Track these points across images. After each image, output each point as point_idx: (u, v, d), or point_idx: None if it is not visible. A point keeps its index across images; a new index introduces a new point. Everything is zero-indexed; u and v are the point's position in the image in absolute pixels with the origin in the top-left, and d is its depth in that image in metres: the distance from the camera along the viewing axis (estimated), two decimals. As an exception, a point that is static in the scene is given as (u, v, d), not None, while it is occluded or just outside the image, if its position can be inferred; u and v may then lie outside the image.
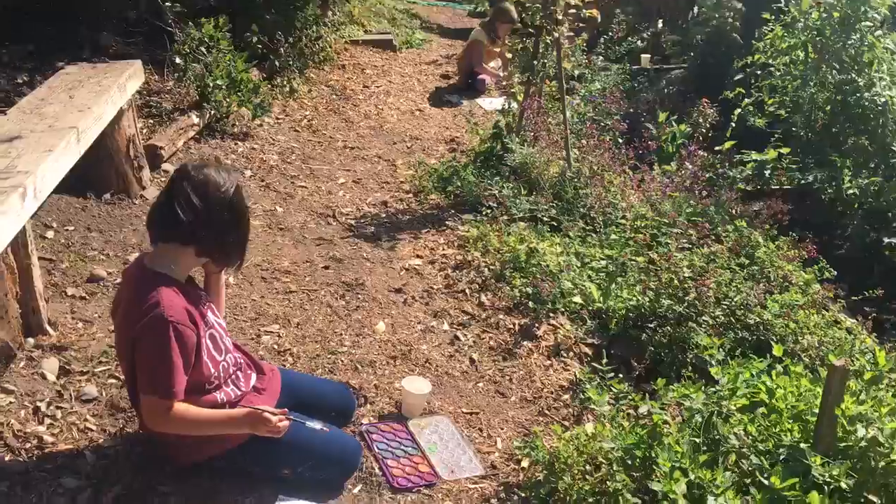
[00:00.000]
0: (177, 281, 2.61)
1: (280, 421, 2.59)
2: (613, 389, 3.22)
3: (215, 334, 2.72)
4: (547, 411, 3.53)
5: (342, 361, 3.63)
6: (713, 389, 2.93)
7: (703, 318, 3.90)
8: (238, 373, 2.85)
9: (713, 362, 3.02)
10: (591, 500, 2.73)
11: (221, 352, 2.74)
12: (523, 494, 2.91)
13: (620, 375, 3.76)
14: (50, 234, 4.29)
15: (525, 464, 3.10)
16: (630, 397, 3.02)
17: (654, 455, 2.73)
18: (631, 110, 7.71)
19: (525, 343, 3.97)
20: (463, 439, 3.24)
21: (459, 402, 3.51)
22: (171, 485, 2.79)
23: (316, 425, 2.67)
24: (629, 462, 2.69)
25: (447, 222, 5.16)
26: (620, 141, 6.26)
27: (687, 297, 3.98)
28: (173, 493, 2.77)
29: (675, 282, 4.04)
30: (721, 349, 3.09)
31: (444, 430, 3.28)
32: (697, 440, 2.68)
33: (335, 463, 2.87)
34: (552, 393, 3.65)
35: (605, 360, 3.57)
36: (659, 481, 2.47)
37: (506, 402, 3.57)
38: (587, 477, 2.88)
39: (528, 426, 3.40)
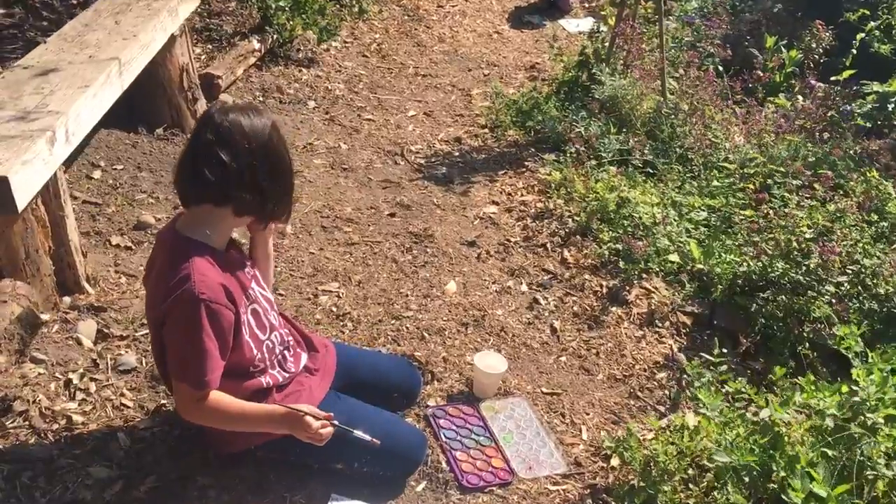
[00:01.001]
0: (213, 249, 2.21)
1: (322, 427, 2.20)
2: (714, 371, 2.72)
3: (258, 309, 2.33)
4: (639, 393, 3.07)
5: (407, 329, 3.22)
6: (849, 389, 2.41)
7: (826, 287, 3.34)
8: (286, 352, 2.47)
9: (851, 356, 2.50)
10: (694, 516, 2.29)
11: (266, 329, 2.36)
12: (613, 501, 2.49)
13: (724, 350, 3.27)
14: (97, 173, 3.97)
15: (615, 462, 2.67)
16: (742, 389, 2.53)
17: (775, 469, 2.27)
18: (731, 32, 6.92)
19: (614, 309, 3.49)
20: (542, 427, 2.82)
21: (539, 379, 3.08)
22: (212, 476, 2.47)
23: (366, 436, 2.28)
24: (744, 477, 2.23)
25: (526, 163, 4.65)
26: (721, 69, 5.56)
27: (807, 262, 3.42)
28: (213, 486, 2.44)
29: (794, 243, 3.47)
30: (860, 338, 2.55)
31: (522, 416, 2.86)
32: (833, 459, 2.19)
33: (396, 459, 2.49)
34: (645, 370, 3.19)
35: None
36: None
37: (591, 380, 3.12)
38: (690, 486, 2.43)
39: (618, 412, 2.96)
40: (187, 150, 2.18)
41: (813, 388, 2.49)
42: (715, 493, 2.37)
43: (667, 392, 3.10)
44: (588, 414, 2.94)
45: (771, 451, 2.30)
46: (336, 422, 2.23)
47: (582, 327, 3.39)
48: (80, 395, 2.67)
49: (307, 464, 2.47)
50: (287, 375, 2.44)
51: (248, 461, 2.49)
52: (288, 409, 2.20)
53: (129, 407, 2.68)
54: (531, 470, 2.64)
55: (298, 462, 2.47)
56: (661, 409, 3.01)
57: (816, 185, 3.77)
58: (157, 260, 2.29)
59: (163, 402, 2.69)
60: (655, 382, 3.13)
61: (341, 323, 3.23)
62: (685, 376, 3.13)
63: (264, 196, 2.24)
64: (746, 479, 2.22)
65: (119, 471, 2.43)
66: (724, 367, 2.67)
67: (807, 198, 3.76)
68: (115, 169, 4.06)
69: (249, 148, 2.15)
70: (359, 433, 2.25)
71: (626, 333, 3.38)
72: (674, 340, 3.38)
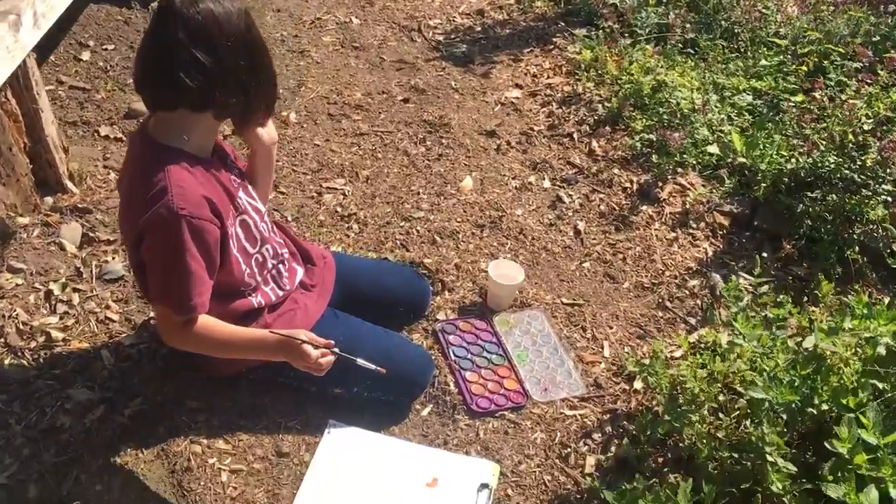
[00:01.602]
0: (192, 155, 1.94)
1: (322, 356, 1.99)
2: (754, 290, 2.45)
3: (248, 220, 2.09)
4: (668, 303, 2.82)
5: (417, 231, 2.97)
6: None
7: (884, 185, 3.00)
8: (280, 266, 2.24)
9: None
10: (725, 454, 2.07)
11: (256, 242, 2.12)
12: (634, 430, 2.28)
13: (765, 255, 2.99)
14: (85, 55, 3.67)
15: (638, 385, 2.45)
16: (785, 315, 2.26)
17: (816, 402, 2.03)
18: None
19: (644, 208, 3.19)
20: (561, 344, 2.60)
21: (559, 288, 2.83)
22: (202, 398, 2.30)
23: (369, 364, 2.06)
24: (782, 415, 2.00)
25: (555, 39, 4.24)
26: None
27: (863, 157, 3.06)
28: (203, 410, 2.28)
29: (850, 135, 3.11)
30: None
31: (539, 331, 2.64)
32: (885, 394, 1.94)
33: (399, 383, 2.29)
34: (675, 278, 2.92)
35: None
36: (834, 481, 1.78)
37: (617, 289, 2.87)
38: (720, 415, 2.21)
39: (644, 324, 2.72)
40: (150, 49, 1.86)
41: (864, 310, 2.21)
42: (747, 422, 2.15)
43: (699, 302, 2.84)
44: (611, 327, 2.70)
45: (813, 384, 2.05)
46: (337, 349, 2.02)
47: (608, 229, 3.11)
48: (61, 308, 2.48)
49: (303, 388, 2.28)
50: (281, 294, 2.22)
51: (242, 383, 2.32)
52: (283, 337, 1.98)
53: (114, 321, 2.49)
54: (546, 392, 2.43)
55: (294, 385, 2.28)
56: (692, 321, 2.77)
57: (879, 69, 3.35)
58: (129, 168, 2.03)
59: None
60: (686, 291, 2.87)
61: (346, 225, 2.98)
62: (721, 286, 2.87)
63: (249, 97, 1.95)
64: (784, 417, 1.98)
65: (101, 393, 2.26)
66: (766, 288, 2.39)
67: (867, 83, 3.34)
68: (106, 49, 3.74)
69: (230, 45, 1.84)
70: (362, 361, 2.04)
71: (656, 236, 3.10)
72: (709, 243, 3.09)
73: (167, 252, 1.89)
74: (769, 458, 1.95)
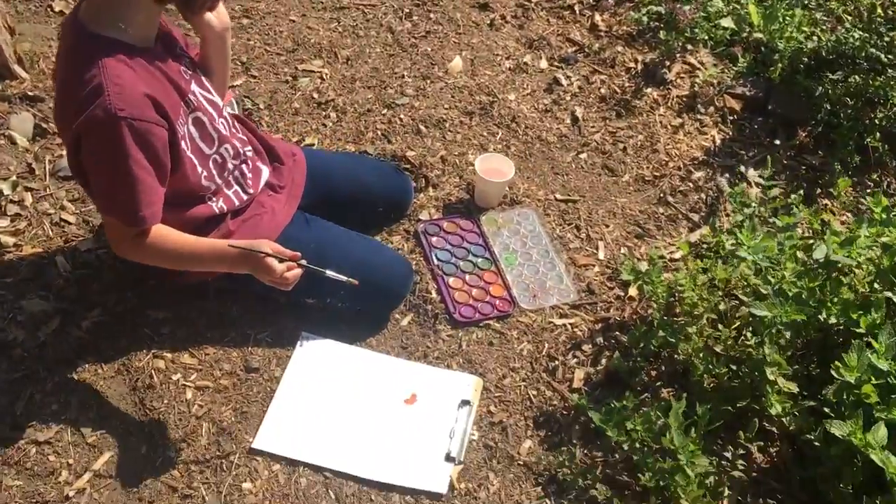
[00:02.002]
0: (131, 46, 1.70)
1: (288, 270, 1.81)
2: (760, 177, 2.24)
3: (202, 118, 1.87)
4: (670, 197, 2.62)
5: (401, 120, 2.74)
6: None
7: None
8: (243, 167, 2.04)
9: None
10: (722, 370, 1.93)
11: (213, 142, 1.92)
12: (627, 342, 2.14)
13: (777, 143, 2.77)
14: (36, -82, 3.28)
15: (633, 292, 2.28)
16: (795, 221, 2.06)
17: (824, 316, 1.87)
18: None
19: (649, 91, 2.94)
20: (552, 246, 2.42)
21: (553, 183, 2.63)
22: (166, 308, 2.15)
23: (341, 276, 1.88)
24: (785, 332, 1.84)
25: None
26: None
27: (892, 34, 2.78)
28: (168, 321, 2.14)
29: (878, 9, 2.81)
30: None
31: (529, 231, 2.46)
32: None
33: (376, 293, 2.13)
34: (679, 169, 2.71)
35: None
36: (837, 415, 1.63)
37: (615, 183, 2.66)
38: (720, 327, 2.06)
39: (643, 222, 2.53)
40: None
41: (882, 214, 2.02)
42: (748, 333, 2.00)
43: (703, 196, 2.64)
44: (608, 226, 2.51)
45: (822, 298, 1.88)
46: (304, 261, 1.84)
47: (609, 115, 2.87)
48: (12, 210, 2.30)
49: (274, 297, 2.13)
50: (245, 197, 2.03)
51: (209, 292, 2.16)
52: (244, 251, 1.80)
53: (70, 223, 2.32)
54: (535, 299, 2.27)
55: (264, 295, 2.12)
56: (695, 217, 2.57)
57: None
58: (59, 61, 1.80)
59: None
60: (690, 184, 2.67)
61: (323, 113, 2.74)
62: (726, 177, 2.66)
63: None
64: (788, 335, 1.83)
65: (57, 303, 2.11)
66: (776, 191, 2.18)
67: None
68: (59, -88, 3.37)
69: None
70: (332, 273, 1.87)
71: (660, 122, 2.86)
72: (717, 130, 2.86)
73: (108, 160, 1.69)
74: (769, 376, 1.81)
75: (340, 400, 2.01)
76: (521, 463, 1.93)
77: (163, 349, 2.07)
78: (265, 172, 2.12)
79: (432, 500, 1.85)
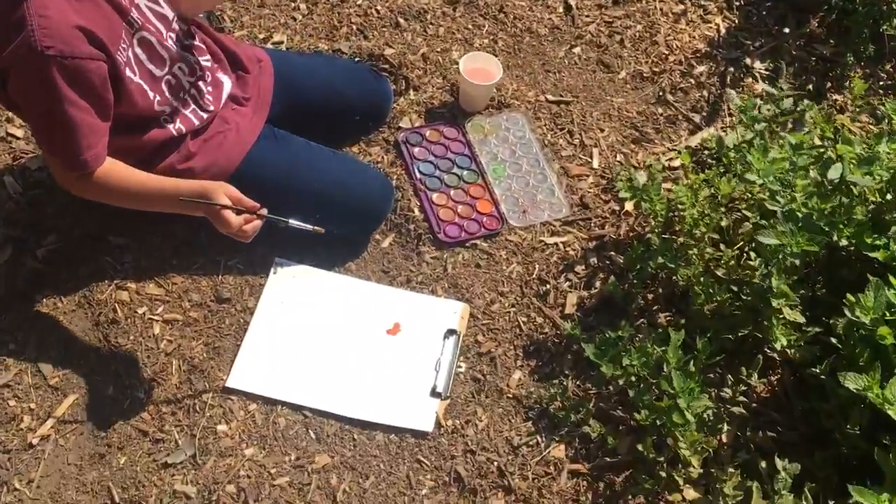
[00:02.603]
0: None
1: (247, 223, 1.64)
2: (775, 105, 2.06)
3: (149, 38, 1.66)
4: (670, 96, 2.44)
5: (377, 11, 2.49)
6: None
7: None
8: (201, 84, 1.83)
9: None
10: (724, 296, 1.82)
11: (164, 63, 1.71)
12: (623, 263, 2.01)
13: (787, 31, 2.57)
14: None
15: (629, 206, 2.13)
16: (810, 141, 1.89)
17: (837, 242, 1.74)
18: None
19: (649, -26, 2.69)
20: (543, 154, 2.25)
21: (544, 82, 2.43)
22: (129, 233, 2.00)
23: (305, 225, 1.71)
24: (794, 260, 1.71)
25: None
26: None
27: None
28: (130, 248, 1.99)
29: None
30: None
31: (518, 138, 2.28)
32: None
33: (354, 215, 1.98)
34: (680, 63, 2.51)
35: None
36: (846, 361, 1.52)
37: (611, 80, 2.46)
38: (722, 248, 1.94)
39: (641, 125, 2.35)
40: None
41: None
42: (752, 254, 1.87)
43: (705, 94, 2.45)
44: (602, 130, 2.34)
45: (835, 220, 1.75)
46: (265, 211, 1.67)
47: (605, 2, 2.63)
48: (-49, 125, 2.09)
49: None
50: (205, 116, 1.83)
51: (176, 217, 1.99)
52: (200, 201, 1.62)
53: (18, 137, 2.12)
54: (525, 215, 2.13)
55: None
56: (696, 118, 2.40)
57: None
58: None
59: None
60: (692, 80, 2.47)
61: (292, 5, 2.50)
62: (729, 70, 2.47)
63: None
64: (797, 263, 1.70)
65: (8, 230, 1.96)
66: (790, 103, 1.99)
67: None
68: None
69: None
70: (295, 222, 1.70)
71: (661, 10, 2.63)
72: (722, 18, 2.64)
73: (40, 101, 1.50)
74: (775, 306, 1.69)
75: (319, 332, 1.89)
76: (511, 396, 1.84)
77: (126, 279, 1.93)
78: (227, 85, 1.91)
79: (418, 438, 1.77)
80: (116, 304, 1.88)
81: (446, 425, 1.79)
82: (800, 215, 1.72)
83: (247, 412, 1.77)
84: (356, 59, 2.34)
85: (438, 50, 2.43)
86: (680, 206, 1.93)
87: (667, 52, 2.53)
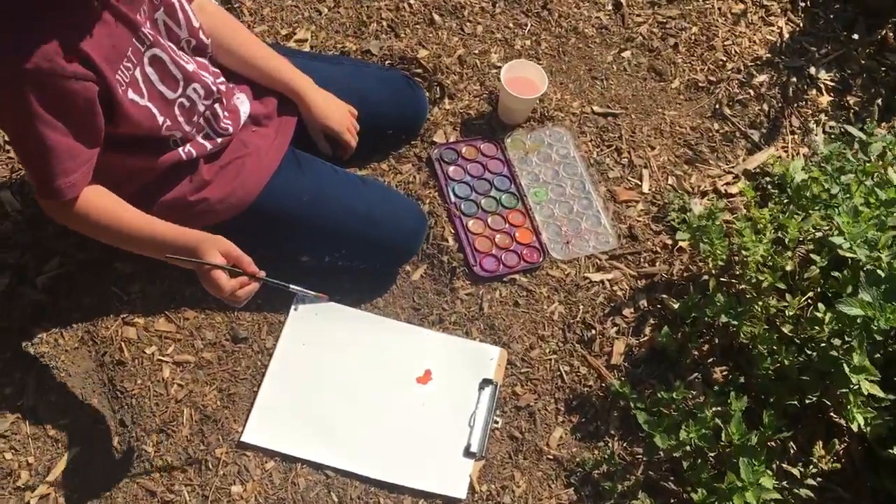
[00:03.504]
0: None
1: (240, 289, 1.46)
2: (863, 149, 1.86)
3: (162, 56, 1.46)
4: (727, 108, 2.23)
5: (409, 6, 2.28)
6: None
7: None
8: (216, 107, 1.63)
9: None
10: (790, 359, 1.64)
11: (177, 84, 1.52)
12: (676, 309, 1.83)
13: (856, 37, 2.35)
14: None
15: (684, 236, 1.93)
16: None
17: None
18: None
19: (707, -31, 2.45)
20: (588, 175, 2.06)
21: (591, 90, 2.22)
22: (137, 258, 1.80)
23: (308, 292, 1.55)
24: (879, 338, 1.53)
25: None
26: None
27: None
28: (139, 276, 1.82)
29: None
30: None
31: (562, 157, 2.09)
32: None
33: (382, 252, 1.81)
34: (739, 72, 2.29)
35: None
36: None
37: (663, 90, 2.26)
38: (787, 297, 1.75)
39: (695, 143, 2.16)
40: None
41: None
42: (819, 305, 1.69)
43: (765, 108, 2.24)
44: (653, 147, 2.14)
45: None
46: (264, 275, 1.49)
47: (658, 0, 2.40)
48: (-56, 132, 1.91)
49: (262, 252, 1.80)
50: (220, 140, 1.64)
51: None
52: (186, 248, 1.44)
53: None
54: (569, 246, 1.94)
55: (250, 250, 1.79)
56: (755, 136, 2.19)
57: None
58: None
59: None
60: (751, 92, 2.26)
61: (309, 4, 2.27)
62: (792, 81, 2.26)
63: None
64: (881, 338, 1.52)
65: (5, 254, 1.78)
66: (877, 143, 1.78)
67: None
68: None
69: None
70: (297, 288, 1.53)
71: (719, 9, 2.40)
72: (785, 21, 2.41)
73: (11, 118, 1.33)
74: (853, 380, 1.52)
75: (343, 379, 1.73)
76: (552, 458, 1.68)
77: (134, 312, 1.77)
78: (245, 105, 1.71)
79: (449, 504, 1.62)
80: (123, 343, 1.72)
81: (481, 490, 1.64)
82: (883, 274, 1.54)
83: (264, 471, 1.62)
84: (388, 64, 2.13)
85: (476, 52, 2.22)
86: (744, 254, 1.74)
87: (724, 59, 2.31)
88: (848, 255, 1.57)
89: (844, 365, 1.50)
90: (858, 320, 1.49)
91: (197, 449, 1.63)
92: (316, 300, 1.75)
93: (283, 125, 1.76)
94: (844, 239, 1.52)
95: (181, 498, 1.58)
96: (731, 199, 2.05)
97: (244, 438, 1.64)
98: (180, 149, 1.58)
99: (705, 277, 1.86)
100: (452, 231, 1.93)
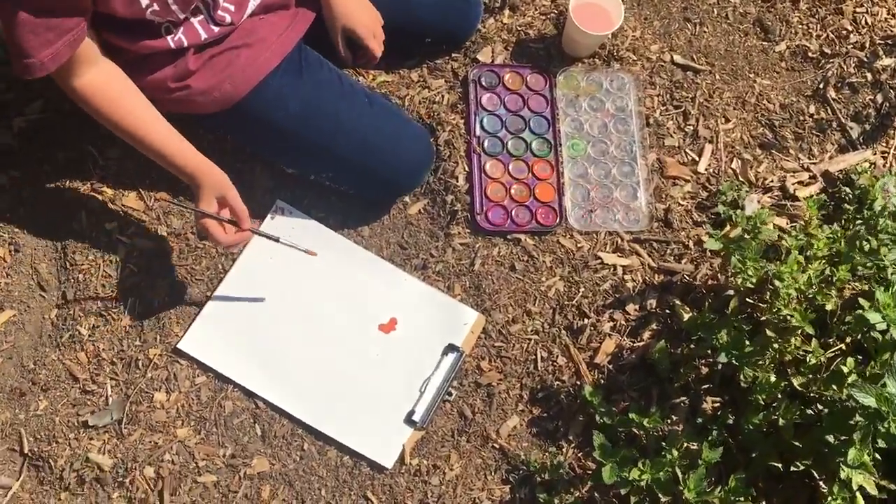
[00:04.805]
0: None
1: (229, 235, 1.35)
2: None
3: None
4: (832, 91, 1.89)
5: None
6: None
7: None
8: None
9: None
10: (789, 416, 1.43)
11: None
12: (684, 322, 1.60)
13: None
14: None
15: (713, 245, 1.67)
16: None
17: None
18: None
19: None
20: (640, 136, 1.79)
21: (677, 33, 1.91)
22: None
23: (297, 245, 1.40)
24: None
25: None
26: None
27: None
28: (120, 143, 1.66)
29: None
30: None
31: (617, 109, 1.82)
32: None
33: (376, 183, 1.62)
34: (861, 48, 1.93)
35: None
36: None
37: (764, 50, 1.92)
38: (812, 342, 1.51)
39: (779, 125, 1.84)
40: None
41: None
42: (846, 367, 1.45)
43: (878, 99, 1.89)
44: (728, 120, 1.84)
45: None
46: (254, 228, 1.39)
47: (793, -62, 2.01)
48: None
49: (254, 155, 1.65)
50: (217, 30, 1.44)
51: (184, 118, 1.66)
52: (187, 173, 1.32)
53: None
54: (591, 216, 1.72)
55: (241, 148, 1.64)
56: (854, 130, 1.86)
57: None
58: None
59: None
60: (868, 75, 1.92)
61: None
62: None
63: None
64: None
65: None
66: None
67: None
68: None
69: None
70: (287, 242, 1.39)
71: (863, -35, 1.99)
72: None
73: None
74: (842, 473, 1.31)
75: (299, 307, 1.59)
76: (497, 447, 1.54)
77: (105, 180, 1.65)
78: (254, -8, 1.48)
79: (374, 470, 1.51)
80: (85, 212, 1.61)
81: (410, 463, 1.52)
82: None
83: (193, 384, 1.53)
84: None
85: (558, -41, 1.90)
86: (779, 285, 1.49)
87: (849, 29, 1.94)
88: (882, 337, 1.31)
89: (839, 457, 1.28)
90: (870, 410, 1.25)
91: (132, 344, 1.54)
92: (302, 216, 1.61)
93: (298, 18, 1.54)
94: (882, 318, 1.25)
95: (102, 391, 1.52)
96: (795, 204, 1.76)
97: (181, 345, 1.54)
98: (169, 37, 1.38)
99: (730, 292, 1.62)
100: (466, 169, 1.71)
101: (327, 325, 1.58)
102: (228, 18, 1.42)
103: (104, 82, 1.33)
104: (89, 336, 1.54)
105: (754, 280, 1.53)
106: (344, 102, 1.54)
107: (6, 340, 1.53)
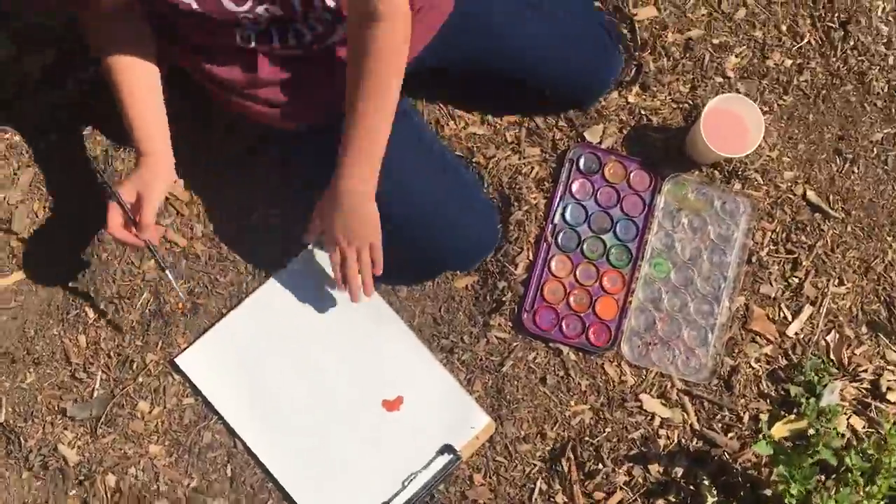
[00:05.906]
0: None
1: (119, 230, 1.28)
2: None
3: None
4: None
5: (673, -61, 1.69)
6: None
7: None
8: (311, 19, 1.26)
9: None
10: None
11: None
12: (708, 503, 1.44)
13: None
14: None
15: (763, 449, 1.47)
16: None
17: None
18: None
19: None
20: (734, 274, 1.57)
21: (821, 165, 1.66)
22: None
23: (177, 287, 1.35)
24: None
25: None
26: None
27: None
28: (182, 118, 1.57)
29: None
30: None
31: (720, 237, 1.60)
32: None
33: (423, 258, 1.47)
34: None
35: None
36: None
37: (913, 215, 1.65)
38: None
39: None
40: None
41: None
42: None
43: None
44: (842, 283, 1.60)
45: None
46: (152, 247, 1.32)
47: None
48: None
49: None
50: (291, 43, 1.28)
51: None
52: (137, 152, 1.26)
53: None
54: (647, 350, 1.54)
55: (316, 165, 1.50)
56: None
57: None
58: None
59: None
60: None
61: None
62: None
63: None
64: None
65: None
66: None
67: None
68: None
69: None
70: (171, 277, 1.36)
71: None
72: None
73: None
74: None
75: (310, 354, 1.50)
76: (461, 571, 1.44)
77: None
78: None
79: (327, 552, 1.44)
80: (124, 188, 1.52)
81: (367, 559, 1.43)
82: None
83: (179, 403, 1.47)
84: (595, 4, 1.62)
85: (715, 41, 1.65)
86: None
87: None
88: None
89: None
90: None
91: (133, 342, 1.48)
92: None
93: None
94: None
95: (90, 382, 1.48)
96: (883, 406, 1.54)
97: (178, 360, 1.47)
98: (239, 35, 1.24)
99: (768, 492, 1.43)
100: (529, 259, 1.54)
101: (330, 384, 1.48)
102: (307, 36, 1.27)
103: (126, 65, 1.23)
104: (94, 321, 1.48)
105: (795, 502, 1.35)
106: (414, 163, 1.37)
107: (16, 299, 1.49)
